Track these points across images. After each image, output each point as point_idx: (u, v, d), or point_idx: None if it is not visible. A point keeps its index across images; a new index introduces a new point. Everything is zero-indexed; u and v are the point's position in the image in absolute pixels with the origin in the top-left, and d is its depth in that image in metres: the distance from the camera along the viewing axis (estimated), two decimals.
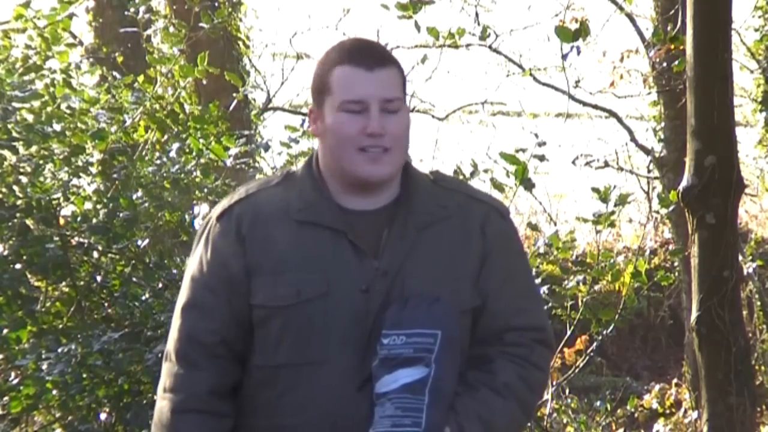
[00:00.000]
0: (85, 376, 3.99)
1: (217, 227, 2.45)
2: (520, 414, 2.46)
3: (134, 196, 4.53)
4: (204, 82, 5.54)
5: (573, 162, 10.12)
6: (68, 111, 4.73)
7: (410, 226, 2.42)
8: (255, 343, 2.42)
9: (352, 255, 2.38)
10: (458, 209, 2.47)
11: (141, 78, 5.13)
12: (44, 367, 3.94)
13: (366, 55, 2.40)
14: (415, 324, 2.34)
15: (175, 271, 4.42)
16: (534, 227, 6.58)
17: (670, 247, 10.49)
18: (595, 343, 5.57)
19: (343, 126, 2.37)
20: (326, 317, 2.36)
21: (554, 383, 5.73)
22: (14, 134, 4.42)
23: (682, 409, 8.53)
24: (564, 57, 5.27)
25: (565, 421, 6.54)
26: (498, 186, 4.82)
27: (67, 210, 4.59)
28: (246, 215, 2.43)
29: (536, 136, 4.69)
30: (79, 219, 4.45)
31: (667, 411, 8.66)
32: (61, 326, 4.24)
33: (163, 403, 2.43)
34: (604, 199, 4.97)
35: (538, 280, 4.93)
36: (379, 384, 2.34)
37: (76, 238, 4.44)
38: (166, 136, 4.97)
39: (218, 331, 2.41)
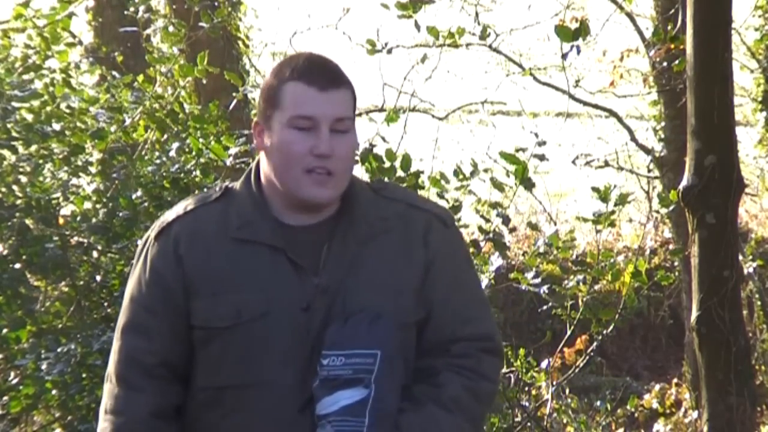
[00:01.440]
0: (84, 376, 4.00)
1: (155, 247, 2.41)
2: (468, 427, 2.38)
3: (134, 196, 4.52)
4: (204, 81, 5.52)
5: (573, 162, 10.11)
6: (68, 110, 4.72)
7: (350, 240, 2.37)
8: (197, 364, 2.38)
9: (291, 272, 2.34)
10: (399, 220, 2.41)
11: (141, 78, 5.12)
12: (44, 367, 3.95)
13: (320, 74, 2.34)
14: (354, 344, 2.30)
15: None
16: (534, 227, 6.55)
17: (670, 247, 10.49)
18: (595, 343, 5.55)
19: (292, 144, 2.32)
20: (267, 337, 2.32)
21: (554, 383, 5.72)
22: (14, 134, 4.42)
23: (682, 409, 8.53)
24: (564, 56, 5.25)
25: (565, 421, 6.54)
26: (498, 186, 4.81)
27: (66, 210, 4.59)
28: (183, 234, 2.39)
29: (536, 135, 4.69)
30: (78, 219, 4.45)
31: (667, 411, 8.66)
32: (60, 326, 4.25)
33: (104, 425, 2.39)
34: (604, 198, 4.96)
35: (537, 280, 4.92)
36: (319, 406, 2.30)
37: (76, 238, 4.45)
38: (165, 136, 4.96)
39: (158, 352, 2.37)
